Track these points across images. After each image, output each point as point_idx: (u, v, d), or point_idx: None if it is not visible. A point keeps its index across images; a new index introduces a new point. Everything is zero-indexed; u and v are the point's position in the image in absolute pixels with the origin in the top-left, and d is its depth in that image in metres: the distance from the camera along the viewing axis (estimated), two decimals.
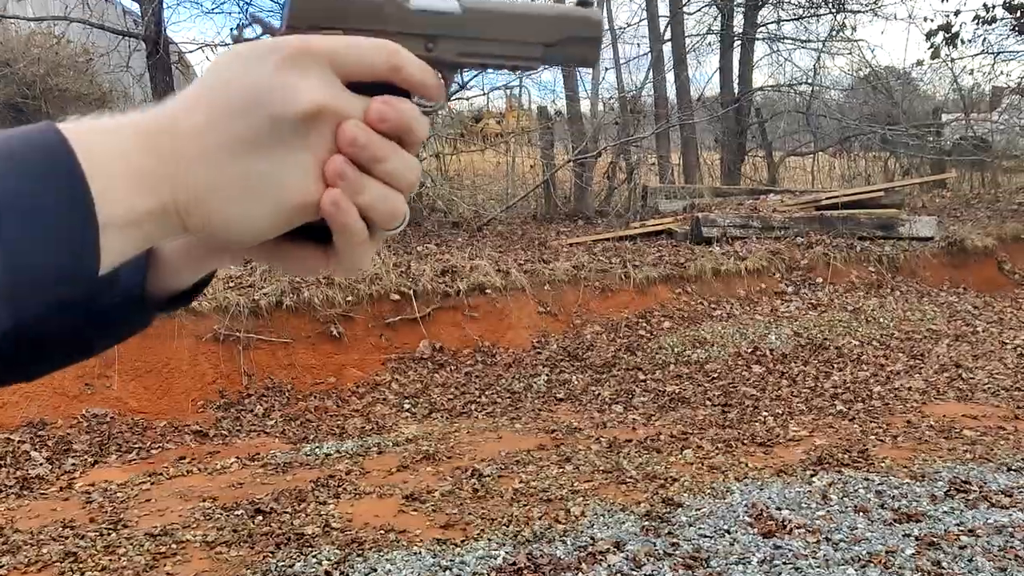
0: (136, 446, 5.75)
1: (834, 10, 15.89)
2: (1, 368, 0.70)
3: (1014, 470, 4.85)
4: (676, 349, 7.37)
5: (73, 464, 5.43)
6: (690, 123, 14.02)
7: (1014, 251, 10.07)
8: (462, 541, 4.15)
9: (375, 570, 3.89)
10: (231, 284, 7.11)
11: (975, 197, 14.09)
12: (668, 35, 14.46)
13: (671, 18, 14.35)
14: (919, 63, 16.28)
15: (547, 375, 7.04)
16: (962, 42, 14.74)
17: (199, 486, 5.01)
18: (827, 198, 10.68)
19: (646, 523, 4.27)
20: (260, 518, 4.48)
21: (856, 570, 3.77)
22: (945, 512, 4.32)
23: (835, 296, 8.60)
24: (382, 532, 4.27)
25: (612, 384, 6.84)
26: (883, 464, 4.99)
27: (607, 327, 7.81)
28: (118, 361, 6.15)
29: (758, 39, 15.75)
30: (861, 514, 4.33)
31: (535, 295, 7.90)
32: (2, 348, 0.58)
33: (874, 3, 15.86)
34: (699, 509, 4.42)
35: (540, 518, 4.35)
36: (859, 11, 16.03)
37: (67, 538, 4.30)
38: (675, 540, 4.08)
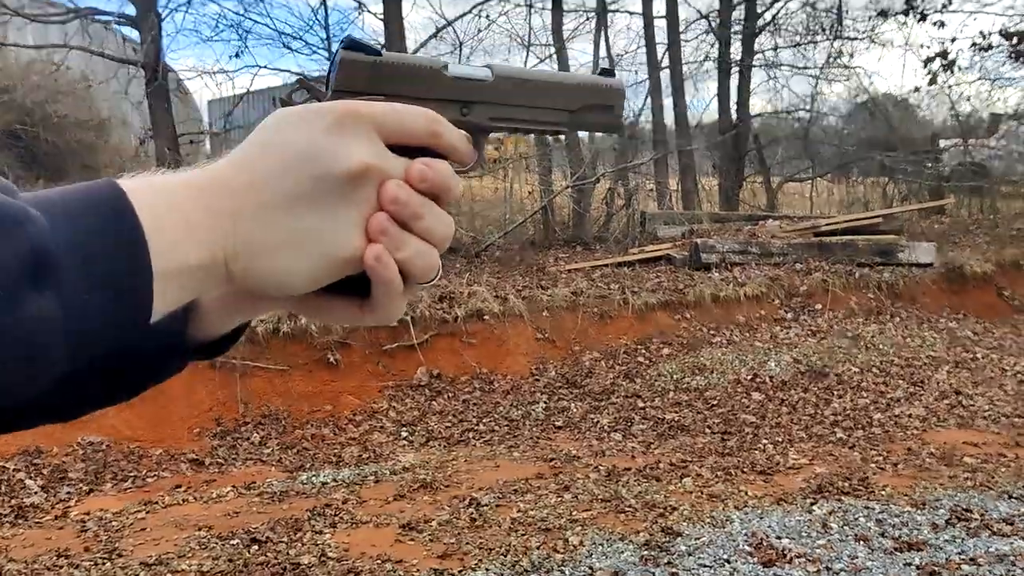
0: (132, 474, 5.71)
1: (831, 37, 15.99)
2: (45, 411, 0.71)
3: (1015, 498, 4.82)
4: (675, 376, 7.34)
5: (68, 492, 5.39)
6: (688, 149, 14.06)
7: (1013, 277, 10.06)
8: (459, 571, 4.11)
9: None
10: None
11: (974, 223, 14.11)
12: (666, 62, 14.53)
13: (669, 45, 14.42)
14: (917, 89, 16.39)
15: (545, 402, 7.01)
16: (959, 69, 14.87)
17: (195, 515, 4.97)
18: (826, 224, 10.69)
19: (645, 553, 4.23)
20: (256, 547, 4.44)
21: None
22: (946, 540, 4.29)
23: (834, 322, 8.59)
24: (379, 562, 4.23)
25: (611, 411, 6.81)
26: (884, 492, 4.96)
27: (606, 354, 7.79)
28: None
29: (756, 66, 15.85)
30: (862, 543, 4.29)
31: (533, 321, 7.88)
32: (52, 393, 0.59)
33: (871, 30, 15.98)
34: (699, 538, 4.38)
35: (538, 548, 4.31)
36: (856, 38, 16.16)
37: (62, 567, 4.26)
38: (674, 570, 4.04)
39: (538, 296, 8.23)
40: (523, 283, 8.86)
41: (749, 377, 7.27)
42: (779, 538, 4.36)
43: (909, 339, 8.32)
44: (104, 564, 4.29)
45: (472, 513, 4.79)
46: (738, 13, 15.27)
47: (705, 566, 4.08)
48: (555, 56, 13.88)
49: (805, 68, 16.37)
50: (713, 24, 15.58)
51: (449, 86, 0.74)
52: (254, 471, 5.82)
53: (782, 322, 8.59)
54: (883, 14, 15.18)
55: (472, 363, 7.43)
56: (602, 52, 14.94)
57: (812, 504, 4.81)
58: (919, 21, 14.52)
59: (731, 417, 6.55)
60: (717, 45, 15.46)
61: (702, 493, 5.03)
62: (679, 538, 4.39)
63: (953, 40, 14.71)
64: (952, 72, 14.77)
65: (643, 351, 7.87)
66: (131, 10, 11.36)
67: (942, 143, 17.02)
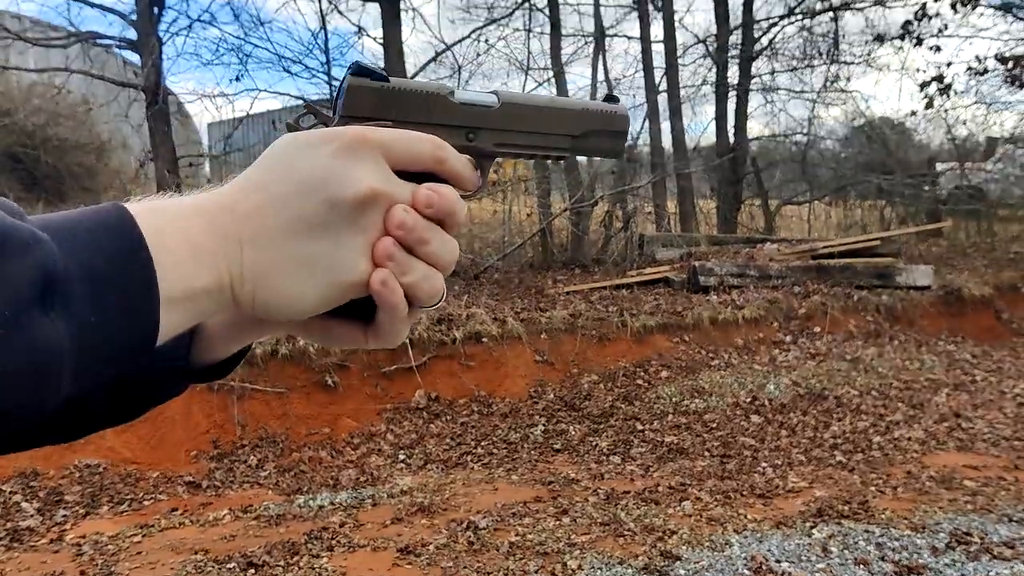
0: (128, 497, 5.68)
1: (828, 62, 16.10)
2: (49, 431, 0.72)
3: (1016, 521, 4.80)
4: (674, 399, 7.33)
5: (64, 515, 5.36)
6: (686, 172, 14.11)
7: (1011, 300, 10.07)
8: None
9: None
10: None
11: (971, 246, 14.14)
12: (663, 86, 14.61)
13: (666, 69, 14.50)
14: (913, 113, 16.47)
15: (544, 425, 6.99)
16: (955, 93, 14.95)
17: (191, 538, 4.94)
18: (824, 247, 10.71)
19: None
20: (252, 571, 4.41)
21: None
22: (946, 564, 4.27)
23: (833, 345, 8.58)
24: None
25: (610, 434, 6.79)
26: (883, 515, 4.94)
27: (604, 376, 7.78)
28: None
29: (753, 90, 15.93)
30: (862, 567, 4.27)
31: (532, 344, 7.87)
32: (57, 413, 0.60)
33: (867, 55, 16.09)
34: (698, 562, 4.36)
35: (536, 572, 4.29)
36: (852, 63, 16.26)
37: None
38: None
39: (536, 318, 8.23)
40: (521, 305, 8.86)
41: (748, 400, 7.26)
42: (779, 562, 4.34)
43: (908, 362, 8.32)
44: None
45: (470, 537, 4.77)
46: (735, 38, 15.37)
47: None
48: (553, 80, 13.95)
49: (802, 92, 16.48)
50: (710, 48, 15.67)
51: (455, 112, 0.74)
52: (251, 494, 5.79)
53: (781, 345, 8.59)
54: (879, 39, 15.29)
55: (470, 386, 7.42)
56: (600, 76, 15.01)
57: (812, 528, 4.78)
58: (915, 46, 14.63)
59: (730, 440, 6.53)
60: (715, 69, 15.55)
61: (701, 516, 5.00)
62: (678, 562, 4.36)
63: (949, 64, 14.82)
64: (948, 96, 14.88)
65: (642, 374, 7.86)
66: (132, 34, 11.43)
67: (939, 166, 17.08)
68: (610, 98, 0.84)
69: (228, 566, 4.48)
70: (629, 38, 16.08)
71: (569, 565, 4.35)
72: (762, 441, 6.50)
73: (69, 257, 0.52)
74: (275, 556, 4.58)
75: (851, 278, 9.79)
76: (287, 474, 6.15)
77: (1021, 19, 14.95)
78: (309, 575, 4.33)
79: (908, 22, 14.51)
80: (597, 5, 15.01)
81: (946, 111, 15.91)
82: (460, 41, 14.32)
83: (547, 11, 14.21)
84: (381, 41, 11.95)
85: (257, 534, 4.96)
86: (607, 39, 15.65)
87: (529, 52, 15.45)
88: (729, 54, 15.28)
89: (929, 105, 15.01)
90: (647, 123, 14.36)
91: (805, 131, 16.53)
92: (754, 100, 16.47)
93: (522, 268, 11.96)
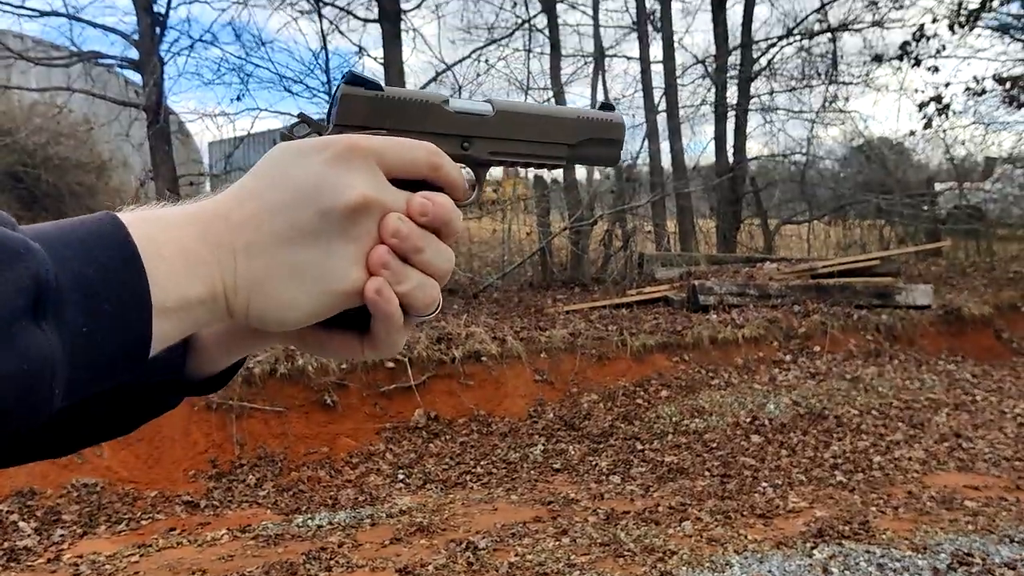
0: (126, 517, 5.65)
1: (826, 82, 16.16)
2: (39, 445, 0.71)
3: (1017, 542, 4.77)
4: (674, 418, 7.31)
5: (61, 535, 5.33)
6: (686, 191, 14.14)
7: (1011, 320, 10.07)
8: None
9: None
10: None
11: (971, 266, 14.16)
12: (663, 106, 14.67)
13: (665, 90, 14.56)
14: (912, 133, 16.54)
15: (543, 445, 6.97)
16: (954, 113, 15.02)
17: (189, 558, 4.91)
18: (823, 266, 10.72)
19: None
20: None
21: None
22: None
23: (833, 365, 8.57)
24: None
25: (609, 454, 6.77)
26: (884, 536, 4.91)
27: (604, 396, 7.76)
28: None
29: (752, 110, 15.99)
30: None
31: (531, 363, 7.86)
32: (49, 426, 0.59)
33: (866, 75, 16.16)
34: None
35: None
36: (851, 83, 16.32)
37: None
38: None
39: (536, 337, 8.22)
40: (521, 324, 8.86)
41: (748, 419, 7.24)
42: None
43: (908, 381, 8.30)
44: None
45: (469, 557, 4.74)
46: (734, 58, 15.44)
47: None
48: (553, 100, 14.01)
49: (801, 112, 16.53)
50: (709, 69, 15.74)
51: (450, 120, 0.74)
52: (249, 514, 5.77)
53: (781, 364, 8.57)
54: (878, 59, 15.38)
55: (470, 405, 7.40)
56: (600, 96, 15.08)
57: (812, 548, 4.76)
58: (913, 66, 14.71)
59: (730, 460, 6.51)
60: (714, 89, 15.61)
61: (701, 537, 4.98)
62: None
63: (947, 85, 14.86)
64: (947, 116, 14.96)
65: (642, 393, 7.84)
66: (134, 54, 11.48)
67: (938, 186, 17.14)
68: (605, 106, 0.83)
69: None
70: (628, 58, 16.24)
71: None
72: (762, 461, 6.48)
73: (61, 266, 0.51)
74: None
75: (851, 297, 9.79)
76: (285, 494, 6.12)
77: (1018, 40, 15.05)
78: None
79: (906, 43, 14.60)
80: (597, 26, 15.11)
81: (944, 131, 16.00)
82: (460, 61, 14.44)
83: (547, 32, 14.30)
84: (382, 61, 12.02)
85: (255, 554, 4.94)
86: (606, 59, 15.77)
87: (529, 72, 15.55)
88: (728, 74, 15.35)
89: (928, 125, 15.09)
90: (646, 143, 14.41)
91: (804, 151, 16.58)
92: (753, 120, 16.57)
93: (522, 287, 11.96)
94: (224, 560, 4.86)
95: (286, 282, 0.61)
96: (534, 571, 4.53)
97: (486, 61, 14.89)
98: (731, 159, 15.33)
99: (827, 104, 16.29)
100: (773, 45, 16.05)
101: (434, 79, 13.66)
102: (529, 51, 15.14)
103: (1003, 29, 14.96)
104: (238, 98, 13.79)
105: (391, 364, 7.27)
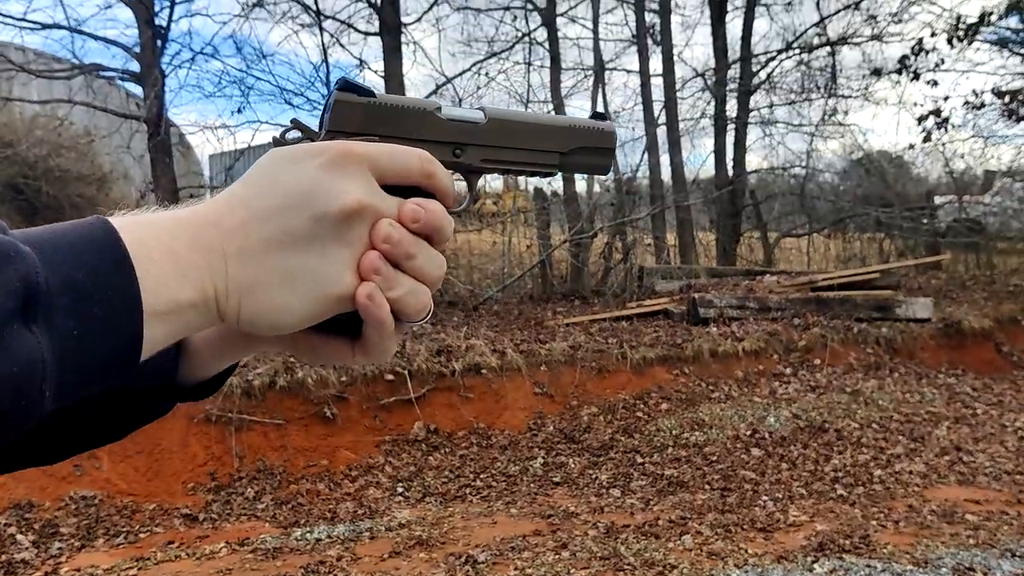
0: (124, 530, 5.63)
1: (826, 95, 16.19)
2: (30, 452, 0.71)
3: (1019, 556, 4.76)
4: (674, 431, 7.29)
5: (59, 548, 5.31)
6: (685, 204, 14.16)
7: (1011, 333, 10.06)
8: None
9: None
10: None
11: (971, 279, 14.16)
12: (662, 119, 14.70)
13: (665, 103, 14.59)
14: (911, 147, 16.57)
15: (543, 458, 6.95)
16: (953, 126, 15.06)
17: (187, 572, 4.90)
18: (823, 279, 10.72)
19: None
20: None
21: None
22: None
23: (833, 378, 8.56)
24: None
25: (609, 467, 6.75)
26: (885, 550, 4.89)
27: (604, 408, 7.74)
28: None
29: (751, 123, 16.02)
30: None
31: (531, 376, 7.85)
32: (39, 431, 0.59)
33: (865, 89, 16.20)
34: None
35: None
36: (850, 96, 16.36)
37: None
38: None
39: (536, 350, 8.21)
40: (521, 337, 8.85)
41: (748, 433, 7.22)
42: None
43: (908, 395, 8.29)
44: None
45: (468, 571, 4.72)
46: (734, 71, 15.48)
47: None
48: (553, 113, 14.01)
49: (800, 125, 16.56)
50: (709, 82, 15.77)
51: (442, 128, 0.74)
52: (248, 527, 5.75)
53: (781, 377, 8.56)
54: (877, 73, 15.42)
55: (469, 418, 7.38)
56: (600, 109, 15.09)
57: (813, 562, 4.74)
58: (912, 80, 14.75)
59: (731, 473, 6.50)
60: (713, 102, 15.64)
61: (702, 550, 4.96)
62: None
63: (946, 98, 14.86)
64: (946, 130, 15.00)
65: (641, 406, 7.82)
66: (135, 67, 11.50)
67: (937, 199, 17.16)
68: (598, 115, 0.84)
69: None
70: (628, 72, 16.28)
71: None
72: (763, 474, 6.46)
73: (52, 270, 0.51)
74: None
75: (851, 310, 9.78)
76: (284, 507, 6.10)
77: (1017, 54, 15.09)
78: None
79: (905, 57, 14.64)
80: (597, 39, 15.15)
81: (944, 144, 16.03)
82: (461, 74, 14.46)
83: (547, 45, 14.34)
84: (382, 74, 12.04)
85: (254, 568, 4.92)
86: (606, 73, 15.79)
87: (529, 85, 15.58)
88: (728, 88, 15.38)
89: (927, 139, 15.13)
90: (646, 155, 14.44)
91: (803, 164, 16.60)
92: (752, 133, 16.56)
93: (521, 300, 11.95)
94: (222, 573, 4.84)
95: (278, 286, 0.61)
96: None
97: (486, 74, 14.92)
98: (731, 172, 15.35)
99: (826, 117, 16.33)
100: (772, 59, 16.10)
101: (434, 92, 13.69)
102: (529, 64, 15.19)
103: (1002, 43, 15.00)
104: (239, 111, 13.79)
105: (391, 376, 7.26)
